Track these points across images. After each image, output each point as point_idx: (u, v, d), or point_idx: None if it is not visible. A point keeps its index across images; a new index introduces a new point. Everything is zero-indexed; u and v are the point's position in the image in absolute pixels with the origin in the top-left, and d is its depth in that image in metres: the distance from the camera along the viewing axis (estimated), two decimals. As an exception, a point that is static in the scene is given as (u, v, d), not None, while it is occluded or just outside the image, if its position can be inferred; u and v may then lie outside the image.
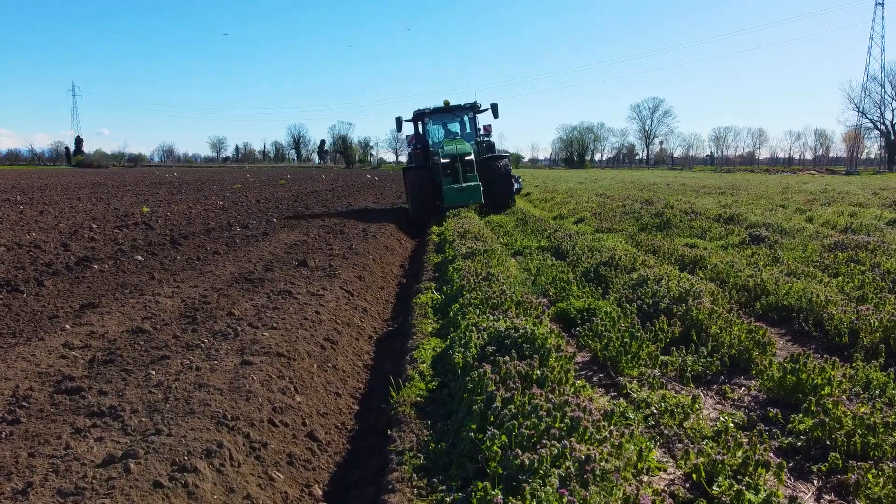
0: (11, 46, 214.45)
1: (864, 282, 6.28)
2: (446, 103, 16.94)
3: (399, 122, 17.01)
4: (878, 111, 75.42)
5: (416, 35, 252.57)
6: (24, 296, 6.37)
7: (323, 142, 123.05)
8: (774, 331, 5.37)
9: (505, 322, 3.93)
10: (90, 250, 9.61)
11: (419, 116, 17.19)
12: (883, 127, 76.13)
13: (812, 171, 65.57)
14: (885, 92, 73.94)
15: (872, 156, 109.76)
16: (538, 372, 3.33)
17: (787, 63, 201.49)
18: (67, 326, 5.14)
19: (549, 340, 3.62)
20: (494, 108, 16.69)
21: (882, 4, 78.25)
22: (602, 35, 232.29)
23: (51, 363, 4.26)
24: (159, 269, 7.91)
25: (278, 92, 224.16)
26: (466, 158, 14.80)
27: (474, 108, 17.15)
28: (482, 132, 17.18)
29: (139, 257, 8.80)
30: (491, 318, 4.51)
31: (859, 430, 3.00)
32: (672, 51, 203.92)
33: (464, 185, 14.44)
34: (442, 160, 14.82)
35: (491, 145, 16.95)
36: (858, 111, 76.02)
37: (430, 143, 17.08)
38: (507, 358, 3.43)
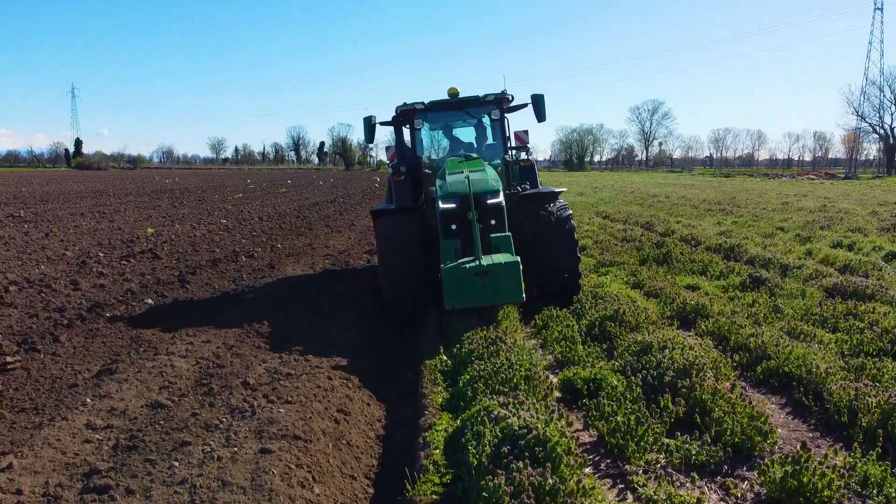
0: (11, 47, 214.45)
1: (863, 341, 6.43)
2: (453, 94, 9.55)
3: (369, 125, 9.76)
4: (878, 115, 75.75)
5: (414, 36, 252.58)
6: (42, 356, 6.50)
7: (322, 143, 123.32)
8: (775, 400, 5.52)
9: (517, 419, 4.07)
10: (100, 289, 9.75)
11: (405, 115, 9.74)
12: (882, 131, 76.41)
13: (811, 176, 65.78)
14: (884, 96, 74.23)
15: (871, 157, 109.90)
16: (551, 481, 3.47)
17: (786, 66, 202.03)
18: (88, 400, 5.27)
19: (560, 445, 3.77)
20: (538, 103, 9.37)
21: (881, 9, 78.50)
22: (601, 37, 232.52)
23: (76, 450, 4.40)
24: (171, 317, 8.04)
25: (278, 93, 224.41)
26: (490, 202, 7.73)
27: (501, 104, 9.58)
28: (513, 143, 9.70)
29: (149, 300, 8.93)
30: (501, 399, 4.66)
31: (857, 548, 3.14)
32: (672, 54, 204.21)
33: (483, 263, 6.97)
34: (441, 205, 7.79)
35: (530, 170, 9.48)
36: (857, 115, 76.30)
37: (425, 161, 9.64)
38: (520, 464, 3.59)
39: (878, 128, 76.95)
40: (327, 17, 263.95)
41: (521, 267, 7.05)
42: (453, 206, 7.73)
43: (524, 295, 7.06)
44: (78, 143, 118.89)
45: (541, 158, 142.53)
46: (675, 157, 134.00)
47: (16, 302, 8.86)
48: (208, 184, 52.27)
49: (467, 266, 6.97)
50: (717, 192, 34.36)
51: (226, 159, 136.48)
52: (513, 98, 9.60)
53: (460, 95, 9.56)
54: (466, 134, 10.75)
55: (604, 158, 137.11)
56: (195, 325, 7.74)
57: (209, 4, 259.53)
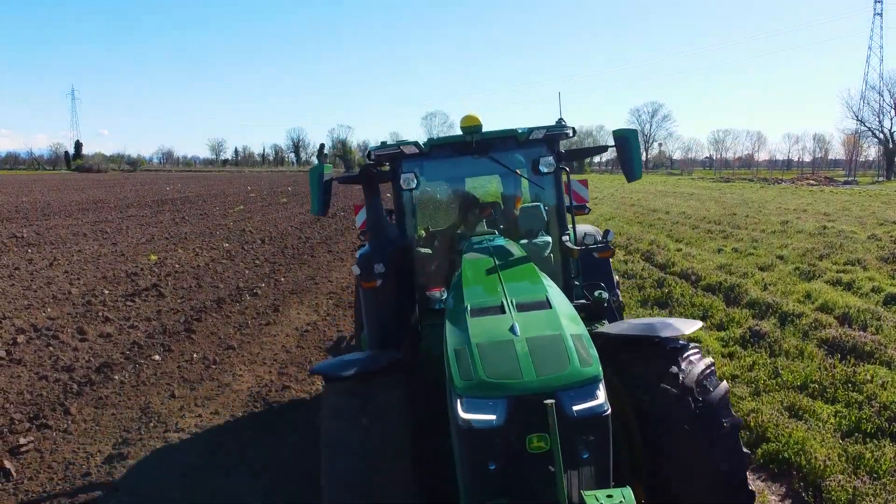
0: (11, 47, 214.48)
1: (861, 418, 6.55)
2: (472, 128, 5.18)
3: (319, 183, 4.96)
4: (877, 119, 75.93)
5: (413, 38, 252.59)
6: (53, 433, 6.61)
7: (322, 145, 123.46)
8: (774, 489, 5.64)
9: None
10: (107, 340, 9.87)
11: (389, 161, 5.34)
12: (881, 135, 76.58)
13: (811, 181, 65.86)
14: (883, 101, 74.41)
15: (871, 157, 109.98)
16: None
17: (786, 70, 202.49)
18: (99, 493, 5.38)
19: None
20: (628, 145, 4.94)
21: (881, 15, 78.65)
22: (601, 39, 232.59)
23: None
24: (178, 381, 8.14)
25: (278, 95, 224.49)
26: (582, 409, 3.14)
27: (556, 143, 5.32)
28: (571, 205, 5.46)
29: (157, 357, 9.03)
30: None
31: None
32: (673, 56, 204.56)
33: None
34: (464, 415, 3.17)
35: (604, 265, 6.19)
36: (857, 119, 76.50)
37: (420, 237, 6.17)
38: None
39: (877, 132, 77.19)
40: (328, 18, 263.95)
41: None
42: (492, 420, 3.19)
43: None
44: (78, 145, 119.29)
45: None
46: (675, 157, 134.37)
47: (24, 358, 8.97)
48: (209, 191, 52.41)
49: None
50: (717, 204, 34.43)
51: (225, 161, 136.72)
52: (574, 133, 5.36)
53: (483, 129, 5.23)
54: (492, 192, 6.95)
55: (604, 159, 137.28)
56: (203, 388, 7.85)
57: (209, 5, 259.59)
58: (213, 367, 8.68)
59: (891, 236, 19.93)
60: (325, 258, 18.31)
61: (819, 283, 13.09)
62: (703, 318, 10.71)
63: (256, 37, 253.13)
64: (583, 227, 5.68)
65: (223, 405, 7.36)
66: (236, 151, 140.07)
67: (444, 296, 4.88)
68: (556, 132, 5.22)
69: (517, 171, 5.74)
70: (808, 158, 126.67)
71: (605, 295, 5.14)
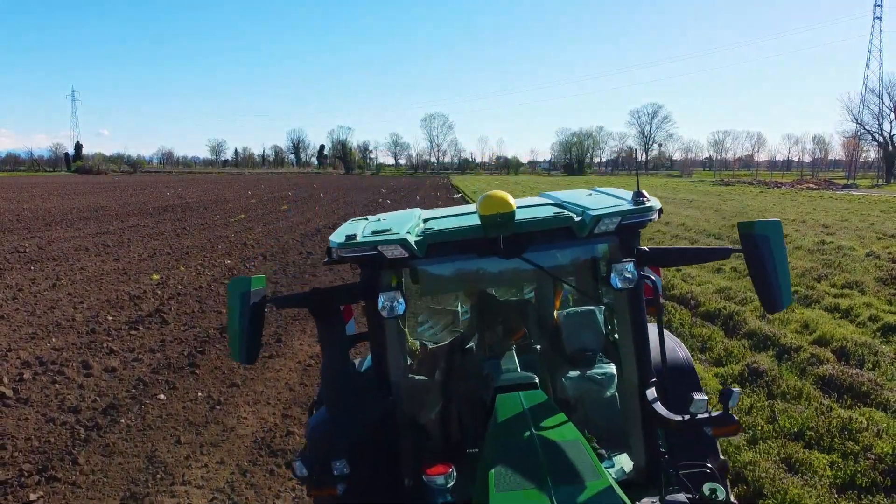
0: (11, 48, 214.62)
1: (857, 471, 6.66)
2: (498, 218, 3.00)
3: (244, 309, 3.00)
4: (877, 123, 76.13)
5: (413, 37, 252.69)
6: (62, 486, 6.73)
7: (322, 147, 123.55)
8: (771, 549, 5.75)
9: None
10: (112, 376, 9.98)
11: (361, 267, 3.26)
12: (881, 138, 76.75)
13: (811, 185, 66.02)
14: (882, 104, 74.59)
15: (871, 158, 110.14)
16: None
17: (786, 72, 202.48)
18: (111, 557, 5.50)
19: None
20: (763, 241, 3.14)
21: (880, 19, 78.84)
22: (602, 40, 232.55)
23: None
24: (184, 424, 8.24)
25: (278, 96, 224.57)
26: None
27: (631, 234, 3.35)
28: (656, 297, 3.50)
29: (162, 395, 9.14)
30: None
31: None
32: (673, 61, 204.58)
33: None
34: None
35: (711, 446, 3.66)
36: (857, 122, 76.68)
37: (411, 379, 3.77)
38: None
39: (876, 135, 77.33)
40: (329, 19, 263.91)
41: None
42: None
43: None
44: (78, 146, 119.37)
45: (540, 159, 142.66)
46: (675, 158, 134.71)
47: (31, 397, 9.09)
48: (209, 197, 52.56)
49: None
50: (717, 214, 34.55)
51: (225, 162, 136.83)
52: (660, 214, 3.51)
53: (517, 215, 3.19)
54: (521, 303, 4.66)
55: (604, 159, 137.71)
56: (208, 433, 7.95)
57: (211, 6, 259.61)
58: (218, 408, 8.78)
59: (889, 253, 20.02)
60: (327, 277, 18.40)
61: (817, 310, 13.19)
62: (701, 351, 10.82)
63: (257, 37, 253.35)
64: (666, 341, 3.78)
65: (228, 453, 7.46)
66: (236, 152, 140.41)
67: (452, 482, 2.91)
68: (635, 219, 3.28)
69: (571, 284, 3.85)
70: (808, 159, 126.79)
71: (722, 495, 3.14)
